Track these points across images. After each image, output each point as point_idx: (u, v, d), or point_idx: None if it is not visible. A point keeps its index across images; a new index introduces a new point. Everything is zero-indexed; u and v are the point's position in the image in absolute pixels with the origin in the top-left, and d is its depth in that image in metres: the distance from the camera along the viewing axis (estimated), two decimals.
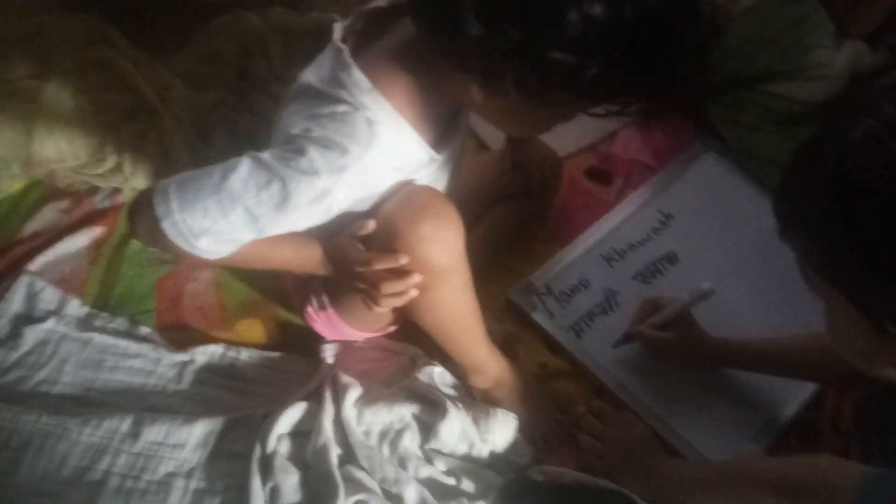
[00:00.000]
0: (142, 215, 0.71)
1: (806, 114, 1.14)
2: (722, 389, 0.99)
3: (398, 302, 0.77)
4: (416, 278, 0.74)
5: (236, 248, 0.74)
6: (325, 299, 0.89)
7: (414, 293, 0.76)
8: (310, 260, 0.79)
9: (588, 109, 0.67)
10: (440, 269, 0.76)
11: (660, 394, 0.98)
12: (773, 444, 0.95)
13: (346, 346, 0.97)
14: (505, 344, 0.96)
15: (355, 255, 0.76)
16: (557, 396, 0.97)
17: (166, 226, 0.69)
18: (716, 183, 1.19)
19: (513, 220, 1.09)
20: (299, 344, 0.99)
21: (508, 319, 1.04)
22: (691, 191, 1.17)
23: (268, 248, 0.76)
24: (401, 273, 0.74)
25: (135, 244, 1.04)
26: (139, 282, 1.01)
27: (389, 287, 0.75)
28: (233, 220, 0.70)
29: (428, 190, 0.78)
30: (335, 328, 0.92)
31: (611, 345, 1.01)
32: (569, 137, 1.20)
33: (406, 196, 0.76)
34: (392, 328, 0.95)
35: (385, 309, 0.79)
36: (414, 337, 0.94)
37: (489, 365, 0.91)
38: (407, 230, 0.73)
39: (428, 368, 0.93)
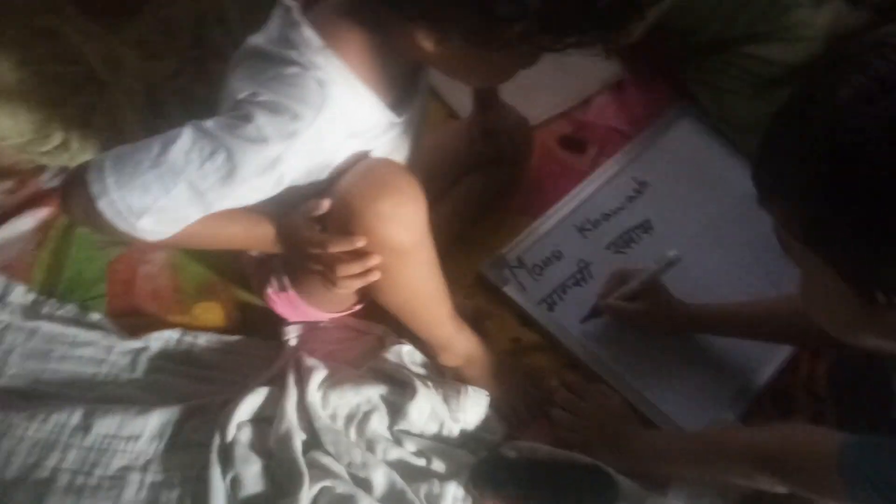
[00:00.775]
0: (75, 194, 0.65)
1: (785, 76, 1.11)
2: (696, 358, 0.96)
3: (358, 284, 0.73)
4: (375, 259, 0.70)
5: (181, 228, 0.68)
6: (286, 280, 0.85)
7: (375, 275, 0.72)
8: (262, 239, 0.75)
9: (544, 47, 0.63)
10: (402, 248, 0.72)
11: (633, 364, 0.95)
12: (748, 410, 0.93)
13: (309, 328, 0.93)
14: (475, 320, 0.93)
15: (309, 235, 0.71)
16: (530, 371, 0.95)
17: (103, 205, 0.63)
18: (691, 149, 1.15)
19: (484, 192, 1.05)
20: (261, 327, 0.95)
21: (479, 294, 1.01)
22: (666, 158, 1.14)
23: (216, 226, 0.71)
24: (359, 254, 0.70)
25: None
26: (89, 266, 0.96)
27: (347, 269, 0.71)
28: (176, 195, 0.64)
29: (386, 163, 0.73)
30: (297, 309, 0.88)
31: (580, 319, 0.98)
32: (541, 104, 1.15)
33: (363, 171, 0.71)
34: (358, 307, 0.91)
35: (345, 291, 0.75)
36: (381, 315, 0.89)
37: (458, 342, 0.87)
38: (365, 209, 0.69)
39: (396, 347, 0.90)
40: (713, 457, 0.77)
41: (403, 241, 0.71)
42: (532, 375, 0.94)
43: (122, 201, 0.63)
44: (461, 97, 1.12)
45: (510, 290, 1.00)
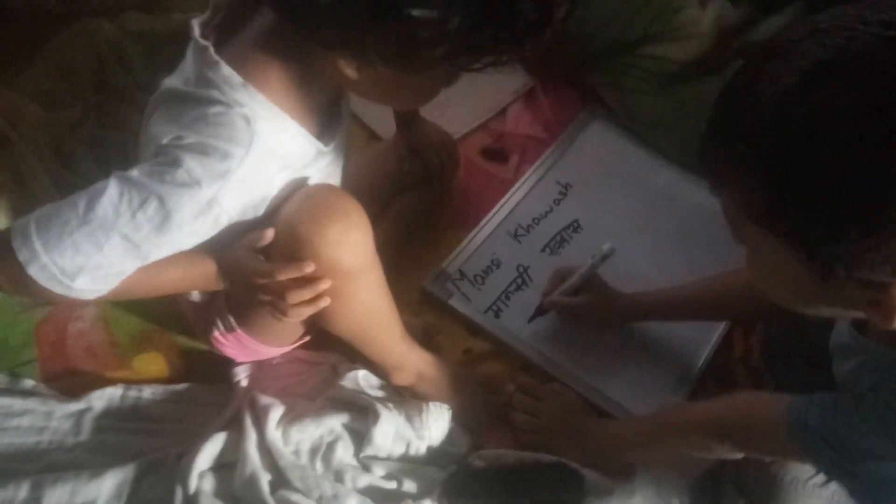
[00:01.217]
0: (2, 264, 0.62)
1: (682, 72, 1.18)
2: (639, 346, 1.01)
3: (309, 311, 0.72)
4: (325, 283, 0.70)
5: (119, 282, 0.66)
6: (231, 319, 0.83)
7: (325, 301, 0.71)
8: (204, 278, 0.73)
9: (464, 67, 0.64)
10: (352, 272, 0.72)
11: (582, 360, 0.98)
12: (694, 390, 0.98)
13: (259, 366, 0.91)
14: (426, 337, 0.94)
15: (255, 266, 0.70)
16: (485, 379, 0.96)
17: (34, 271, 0.61)
18: (606, 148, 1.21)
19: (416, 210, 1.06)
20: (207, 371, 0.92)
21: (426, 310, 1.02)
22: (584, 158, 1.19)
23: (154, 274, 0.69)
24: (308, 280, 0.69)
25: None
26: (14, 331, 0.91)
27: (297, 296, 0.70)
28: (109, 251, 0.62)
29: (328, 189, 0.73)
30: (247, 348, 0.86)
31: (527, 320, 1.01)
32: (458, 119, 1.18)
33: (306, 198, 0.71)
34: (307, 338, 0.90)
35: (296, 320, 0.74)
36: (331, 343, 0.89)
37: (410, 361, 0.88)
38: (313, 235, 0.69)
39: (352, 374, 0.89)
40: (671, 434, 0.80)
41: (353, 264, 0.72)
42: (487, 383, 0.95)
43: (54, 264, 0.62)
44: (381, 119, 1.13)
45: (455, 303, 1.01)
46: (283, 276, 0.69)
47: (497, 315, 1.02)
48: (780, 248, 0.52)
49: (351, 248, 0.71)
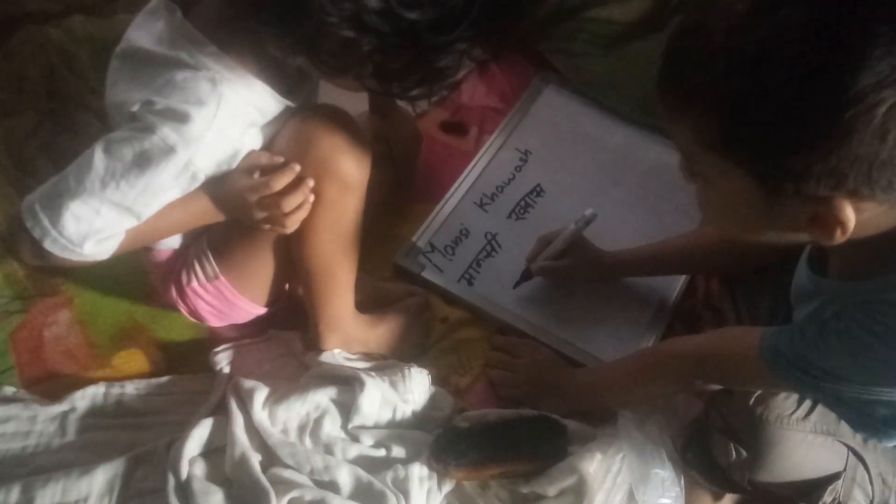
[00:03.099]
0: (22, 241, 0.70)
1: (627, 32, 1.20)
2: (608, 299, 1.03)
3: (303, 214, 0.76)
4: (310, 182, 0.74)
5: (123, 237, 0.72)
6: (213, 264, 0.84)
7: (311, 198, 0.75)
8: (204, 212, 0.77)
9: (371, 89, 0.69)
10: (350, 182, 0.77)
11: (555, 317, 1.01)
12: (663, 336, 1.01)
13: (238, 351, 0.92)
14: (418, 313, 0.99)
15: (249, 184, 0.74)
16: (462, 345, 0.99)
17: (48, 245, 0.68)
18: (562, 112, 1.23)
19: (381, 186, 1.07)
20: (187, 362, 0.93)
21: (399, 284, 1.03)
22: (541, 124, 1.21)
23: (157, 220, 0.73)
24: (298, 183, 0.73)
25: None
26: None
27: (291, 202, 0.74)
28: (105, 215, 0.69)
29: (336, 106, 0.78)
30: (224, 301, 0.87)
31: (503, 286, 1.03)
32: None
33: (315, 110, 0.76)
34: (279, 302, 0.91)
35: (292, 228, 0.77)
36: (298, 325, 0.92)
37: (347, 321, 0.90)
38: (322, 139, 0.73)
39: (327, 352, 0.91)
40: (650, 370, 0.83)
41: (353, 174, 0.76)
42: (409, 310, 0.98)
43: (62, 236, 0.68)
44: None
45: (428, 275, 1.03)
46: (278, 183, 0.72)
47: (470, 283, 1.04)
48: (732, 174, 0.55)
49: (354, 158, 0.76)
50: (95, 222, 0.68)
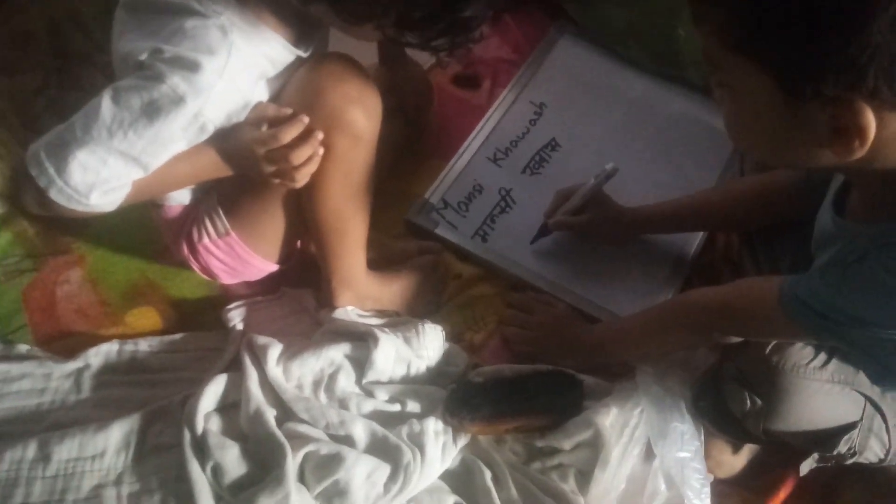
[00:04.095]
0: (27, 191, 0.69)
1: None
2: (626, 254, 1.01)
3: (313, 167, 0.74)
4: (319, 134, 0.72)
5: (130, 189, 0.71)
6: (224, 220, 0.83)
7: (321, 150, 0.73)
8: (212, 165, 0.75)
9: (391, 38, 0.68)
10: (361, 134, 0.75)
11: (571, 273, 0.99)
12: (681, 290, 0.99)
13: (251, 308, 0.91)
14: (433, 269, 0.97)
15: (258, 136, 0.72)
16: (476, 302, 0.97)
17: (53, 194, 0.67)
18: (577, 64, 1.20)
19: (393, 143, 1.05)
20: (201, 319, 0.93)
21: (412, 241, 1.02)
22: (556, 76, 1.18)
23: (163, 172, 0.72)
24: (307, 136, 0.72)
25: None
26: (2, 299, 0.90)
27: (300, 154, 0.72)
28: (112, 165, 0.67)
29: (345, 56, 0.75)
30: (236, 258, 0.86)
31: (518, 241, 1.01)
32: None
33: (323, 61, 0.74)
34: (292, 259, 0.90)
35: (302, 182, 0.75)
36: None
37: (360, 278, 0.89)
38: (332, 90, 0.71)
39: (340, 309, 0.90)
40: (668, 322, 0.82)
41: (364, 126, 0.74)
42: (423, 268, 0.97)
43: (68, 186, 0.67)
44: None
45: (442, 231, 1.01)
46: (287, 135, 0.71)
47: (484, 239, 1.02)
48: (755, 80, 0.54)
49: (365, 109, 0.74)
50: (102, 172, 0.67)
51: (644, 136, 1.12)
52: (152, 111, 0.65)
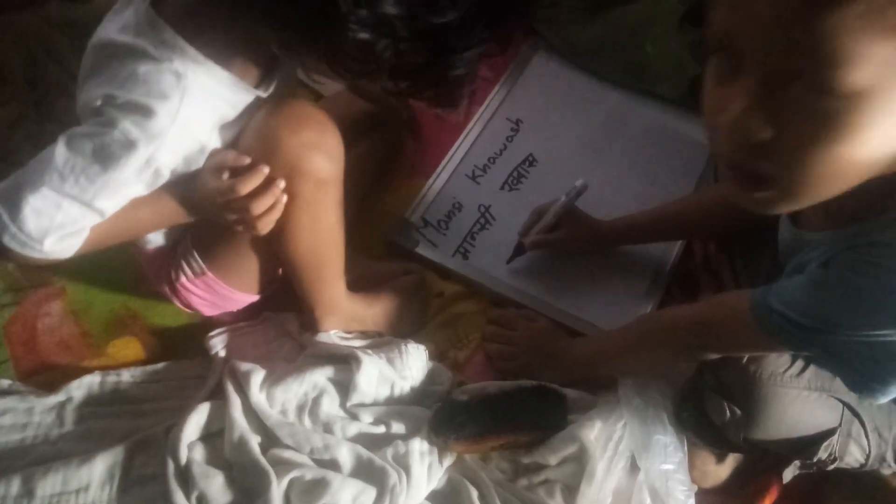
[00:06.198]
0: None
1: None
2: (605, 267, 1.02)
3: (275, 215, 0.73)
4: (281, 184, 0.71)
5: (86, 235, 0.69)
6: (199, 261, 0.83)
7: (284, 198, 0.72)
8: (171, 212, 0.74)
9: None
10: (324, 178, 0.74)
11: (552, 288, 1.00)
12: (661, 301, 1.01)
13: (234, 334, 0.91)
14: (415, 291, 0.97)
15: (217, 185, 0.71)
16: (458, 320, 0.98)
17: (7, 240, 0.66)
18: (551, 80, 1.21)
19: (371, 163, 1.06)
20: (183, 348, 0.92)
21: (393, 261, 1.02)
22: (531, 93, 1.19)
23: (123, 219, 0.71)
24: (268, 185, 0.71)
25: None
26: None
27: (260, 205, 0.71)
28: (67, 210, 0.66)
29: (301, 101, 0.75)
30: (216, 294, 0.86)
31: (498, 258, 1.02)
32: None
33: (279, 108, 0.72)
34: (273, 285, 0.90)
35: (266, 230, 0.74)
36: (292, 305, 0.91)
37: (343, 304, 0.89)
38: (289, 138, 0.70)
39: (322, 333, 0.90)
40: (647, 340, 0.82)
41: (327, 170, 0.73)
42: (405, 289, 0.97)
43: (21, 231, 0.65)
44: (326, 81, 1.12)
45: (423, 250, 1.02)
46: (246, 186, 0.70)
47: (465, 257, 1.03)
48: None
49: (326, 154, 0.73)
50: (57, 217, 0.65)
51: (618, 149, 1.13)
52: (104, 157, 0.64)
